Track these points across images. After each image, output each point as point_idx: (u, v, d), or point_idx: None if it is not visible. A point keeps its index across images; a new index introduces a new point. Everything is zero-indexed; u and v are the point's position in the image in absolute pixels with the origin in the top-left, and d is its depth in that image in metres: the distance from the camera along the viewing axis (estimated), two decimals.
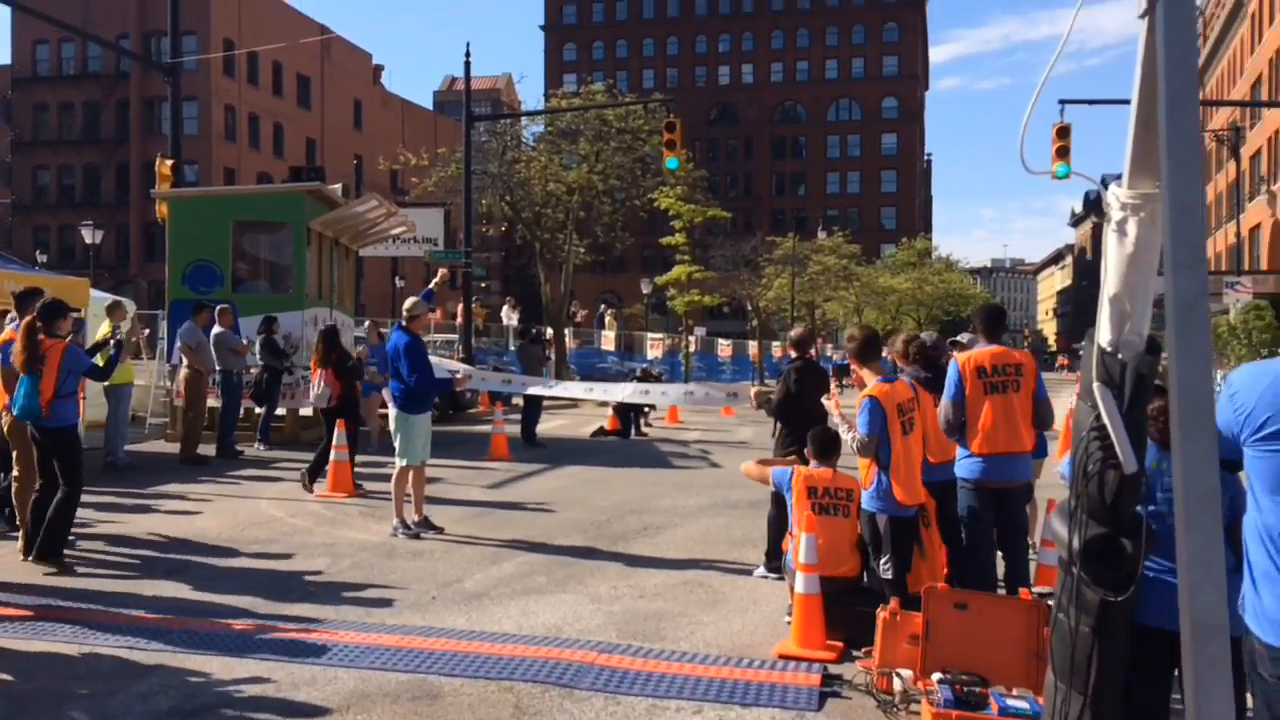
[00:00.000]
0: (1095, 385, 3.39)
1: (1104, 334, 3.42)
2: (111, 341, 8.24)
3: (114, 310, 12.78)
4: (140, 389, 15.80)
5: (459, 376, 9.25)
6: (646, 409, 19.44)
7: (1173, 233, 2.87)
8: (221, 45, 57.66)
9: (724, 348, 41.43)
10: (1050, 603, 4.08)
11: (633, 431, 18.69)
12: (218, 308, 14.03)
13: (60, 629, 6.14)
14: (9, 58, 62.69)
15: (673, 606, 7.03)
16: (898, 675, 5.24)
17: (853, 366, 6.16)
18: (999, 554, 6.48)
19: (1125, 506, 3.49)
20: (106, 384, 12.68)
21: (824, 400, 6.49)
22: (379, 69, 76.73)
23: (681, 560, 8.46)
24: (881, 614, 5.46)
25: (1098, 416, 3.42)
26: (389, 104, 75.24)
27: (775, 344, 43.48)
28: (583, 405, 26.24)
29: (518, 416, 17.19)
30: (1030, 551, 7.39)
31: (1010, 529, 6.32)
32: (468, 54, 24.74)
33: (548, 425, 18.71)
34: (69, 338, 7.82)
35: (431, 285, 11.21)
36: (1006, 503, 6.24)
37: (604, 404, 19.46)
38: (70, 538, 7.91)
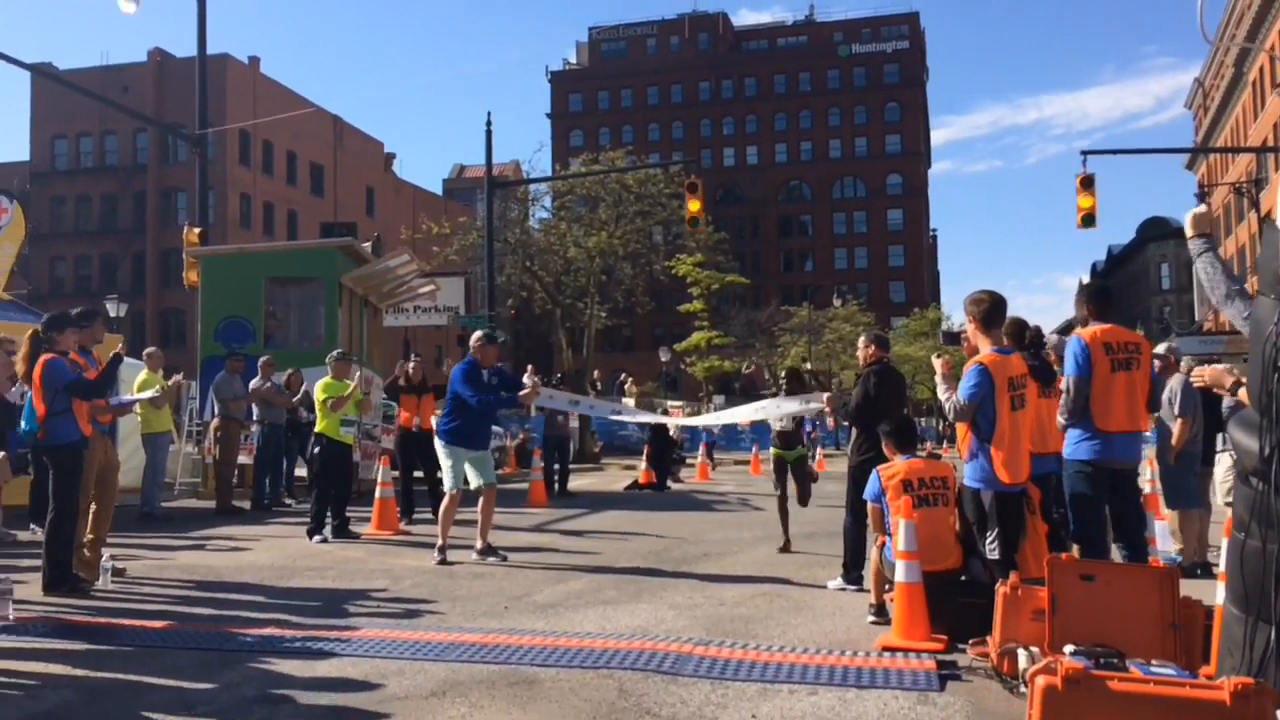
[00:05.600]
0: None
1: None
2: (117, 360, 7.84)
3: (152, 357, 12.68)
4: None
5: (527, 389, 8.95)
6: (677, 460, 19.18)
7: None
8: (237, 135, 58.64)
9: None
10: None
11: (668, 484, 18.35)
12: (260, 360, 13.81)
13: (124, 635, 5.84)
14: (28, 154, 63.79)
15: (756, 612, 6.71)
16: (1026, 651, 4.90)
17: (971, 330, 5.88)
18: (1114, 545, 6.14)
19: None
20: (146, 431, 12.52)
21: (933, 359, 6.23)
22: (390, 157, 77.84)
23: (752, 577, 8.14)
24: (1001, 589, 5.14)
25: None
26: (400, 190, 76.16)
27: None
28: (607, 468, 25.94)
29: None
30: None
31: (1130, 514, 5.98)
32: (489, 122, 25.05)
33: (576, 484, 18.38)
34: (63, 353, 7.30)
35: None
36: (1123, 486, 5.91)
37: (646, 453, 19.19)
38: (110, 565, 7.56)
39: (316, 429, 10.52)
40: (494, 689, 4.75)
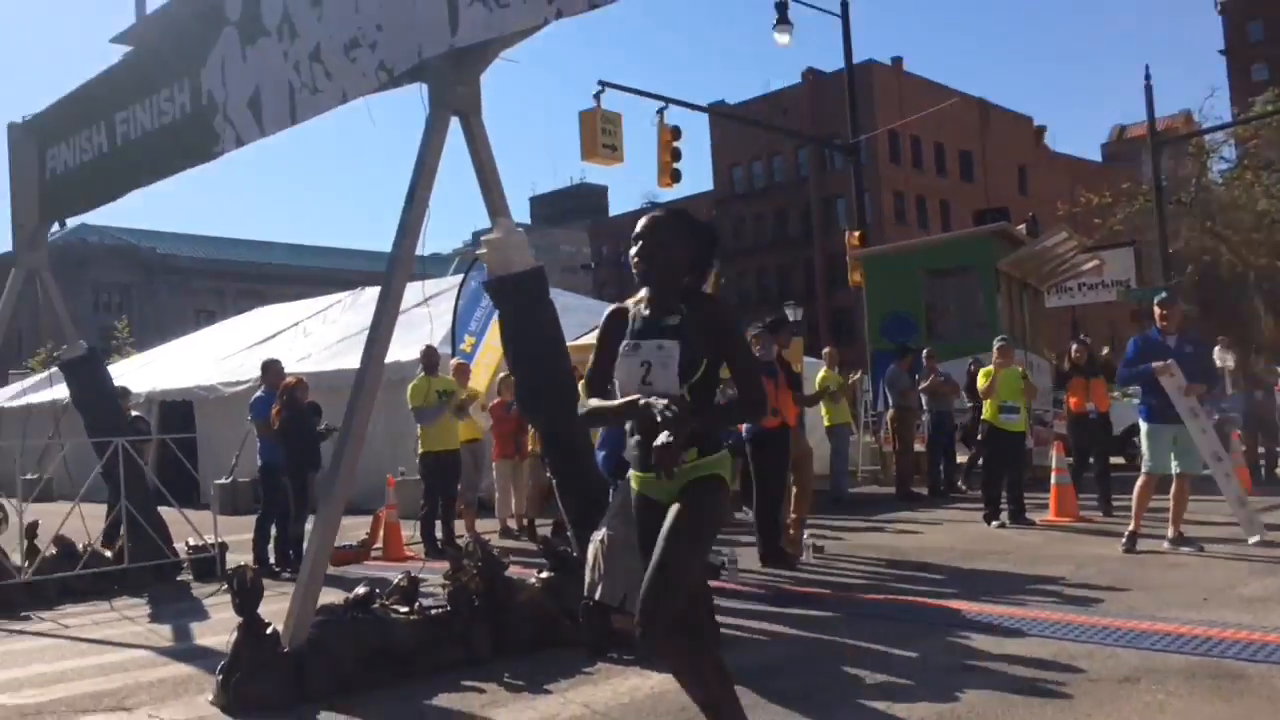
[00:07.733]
0: None
1: None
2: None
3: (828, 356, 13.87)
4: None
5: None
6: None
7: None
8: (886, 137, 60.98)
9: None
10: None
11: None
12: (924, 352, 14.35)
13: (827, 602, 6.62)
14: (710, 183, 73.03)
15: None
16: None
17: None
18: None
19: None
20: (828, 424, 13.75)
21: None
22: (1040, 130, 75.09)
23: None
24: None
25: None
26: (1054, 164, 72.99)
27: None
28: None
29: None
30: None
31: None
32: (1147, 75, 23.11)
33: None
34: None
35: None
36: None
37: None
38: (811, 542, 8.54)
39: (983, 417, 10.78)
40: (1193, 679, 4.53)
